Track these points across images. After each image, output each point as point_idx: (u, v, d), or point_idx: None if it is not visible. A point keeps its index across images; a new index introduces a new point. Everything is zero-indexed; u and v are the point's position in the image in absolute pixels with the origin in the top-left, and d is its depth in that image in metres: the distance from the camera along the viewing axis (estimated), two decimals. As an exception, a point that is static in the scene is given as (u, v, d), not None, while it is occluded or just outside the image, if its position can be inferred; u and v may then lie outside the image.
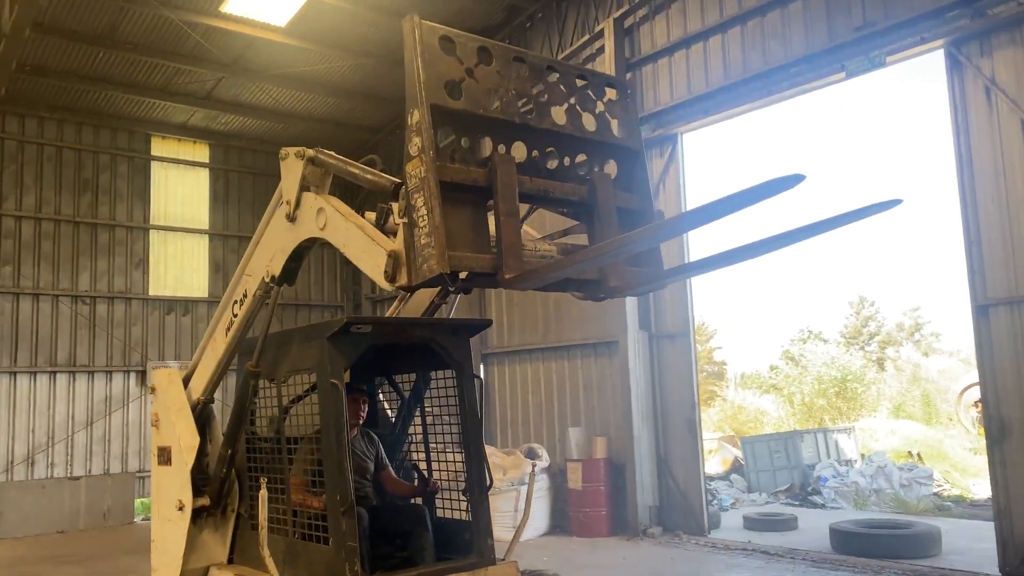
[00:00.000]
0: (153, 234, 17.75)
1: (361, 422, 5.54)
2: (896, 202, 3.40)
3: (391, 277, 3.79)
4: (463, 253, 3.66)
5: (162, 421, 5.79)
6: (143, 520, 16.32)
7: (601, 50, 13.15)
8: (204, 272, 18.37)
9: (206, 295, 18.23)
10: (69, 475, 15.93)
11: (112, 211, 17.21)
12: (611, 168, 4.47)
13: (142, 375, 17.04)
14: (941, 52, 9.44)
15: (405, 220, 3.74)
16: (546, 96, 4.17)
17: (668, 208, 12.49)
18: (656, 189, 12.64)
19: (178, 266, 18.04)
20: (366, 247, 4.05)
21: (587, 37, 13.45)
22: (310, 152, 4.63)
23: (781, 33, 10.95)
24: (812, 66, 10.59)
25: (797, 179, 2.86)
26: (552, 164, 4.25)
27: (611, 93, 4.46)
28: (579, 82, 4.36)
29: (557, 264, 3.85)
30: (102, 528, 15.31)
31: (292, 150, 4.75)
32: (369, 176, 4.25)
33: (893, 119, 56.92)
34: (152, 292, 17.53)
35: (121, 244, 17.22)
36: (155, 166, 17.91)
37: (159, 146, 18.02)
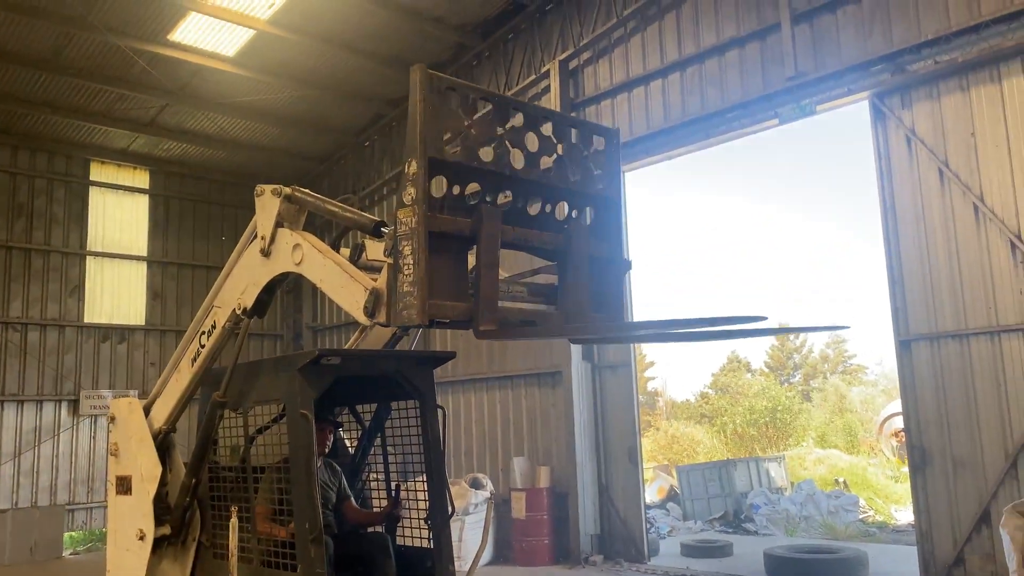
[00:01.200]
0: (90, 260, 17.38)
1: (325, 452, 5.66)
2: (844, 327, 3.86)
3: (371, 313, 3.97)
4: (442, 301, 3.84)
5: (122, 450, 5.79)
6: (72, 555, 15.83)
7: (547, 90, 13.59)
8: (142, 299, 18.04)
9: (143, 323, 17.91)
10: (-6, 508, 15.37)
11: (47, 236, 16.82)
12: (588, 215, 4.64)
13: (75, 404, 16.60)
14: (866, 103, 10.12)
15: (391, 261, 3.91)
16: (537, 146, 4.32)
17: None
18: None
19: (115, 293, 17.68)
20: (344, 283, 4.22)
21: (533, 77, 13.88)
22: (287, 190, 4.77)
23: (719, 80, 11.54)
24: (747, 112, 11.20)
25: (760, 319, 3.26)
26: (535, 211, 4.43)
27: (598, 142, 4.64)
28: (572, 131, 4.54)
29: (527, 330, 4.07)
30: (29, 563, 14.77)
31: (268, 188, 4.88)
32: (348, 214, 4.44)
33: (828, 161, 59.33)
34: (87, 319, 17.13)
35: (56, 270, 16.82)
36: (93, 191, 17.59)
37: (98, 171, 17.71)
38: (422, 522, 5.50)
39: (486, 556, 12.65)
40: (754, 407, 29.57)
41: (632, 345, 12.71)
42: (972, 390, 9.01)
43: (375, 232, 4.16)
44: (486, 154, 4.10)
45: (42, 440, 16.17)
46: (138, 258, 18.07)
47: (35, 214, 16.70)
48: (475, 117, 4.07)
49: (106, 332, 17.36)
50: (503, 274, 4.57)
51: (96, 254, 17.47)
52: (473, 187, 4.12)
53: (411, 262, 3.76)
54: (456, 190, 4.03)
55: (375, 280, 4.02)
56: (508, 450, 13.79)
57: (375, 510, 5.89)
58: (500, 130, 4.16)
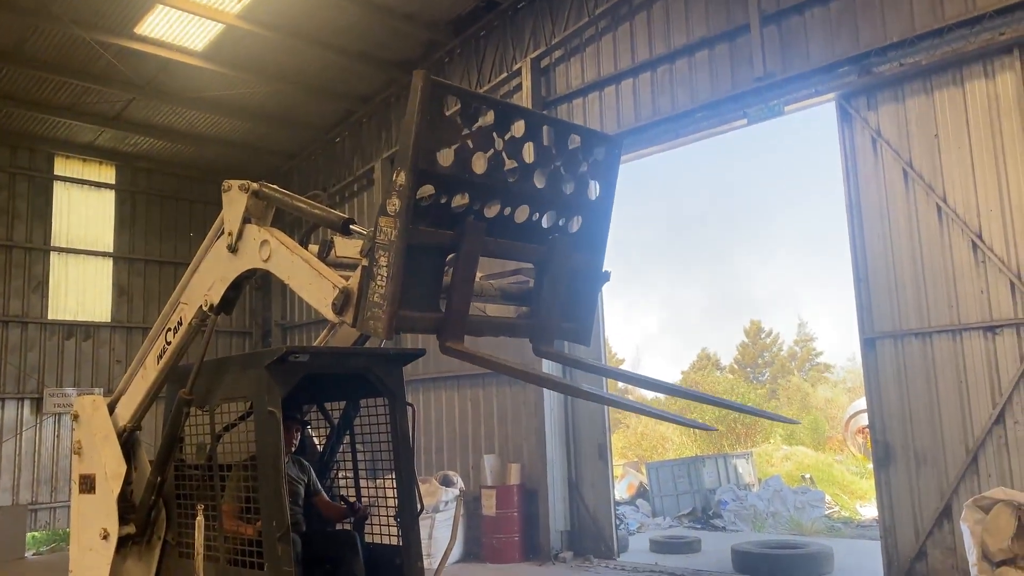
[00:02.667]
0: (54, 256, 17.10)
1: (293, 449, 5.63)
2: (795, 422, 4.01)
3: (339, 310, 3.94)
4: (410, 313, 3.77)
5: (86, 448, 5.72)
6: (34, 555, 15.57)
7: (519, 87, 13.60)
8: (107, 296, 17.79)
9: (109, 320, 17.66)
10: (-46, 508, 15.08)
11: (9, 231, 16.52)
12: (576, 223, 4.47)
13: (38, 402, 16.33)
14: (833, 104, 10.26)
15: (365, 263, 3.86)
16: (533, 157, 4.15)
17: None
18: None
19: (80, 289, 17.41)
20: (312, 280, 4.19)
21: (505, 75, 13.88)
22: (254, 185, 4.72)
23: (688, 80, 11.63)
24: (716, 112, 11.30)
25: (711, 429, 3.74)
26: (521, 219, 4.27)
27: (599, 153, 4.42)
28: (573, 137, 4.32)
29: (490, 362, 3.97)
30: (-10, 564, 14.51)
31: (236, 183, 4.82)
32: (317, 211, 4.40)
33: (797, 160, 60.04)
34: (51, 316, 16.86)
35: (19, 266, 16.53)
36: (58, 186, 17.31)
37: (63, 166, 17.44)
38: (391, 519, 5.50)
39: (456, 553, 12.66)
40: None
41: (603, 343, 12.78)
42: (934, 387, 9.17)
43: (343, 229, 4.13)
44: (480, 166, 3.91)
45: (3, 439, 15.89)
46: (104, 254, 17.82)
47: (-4, 209, 16.41)
48: (475, 128, 3.86)
49: (70, 329, 17.10)
50: (477, 276, 4.55)
51: (60, 250, 17.20)
52: (460, 197, 3.95)
53: (385, 274, 3.69)
54: (443, 199, 3.87)
55: (345, 278, 4.00)
56: (479, 448, 13.79)
57: (344, 506, 5.86)
58: (499, 141, 3.95)
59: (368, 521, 5.74)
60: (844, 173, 10.12)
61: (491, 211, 4.11)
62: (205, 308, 4.99)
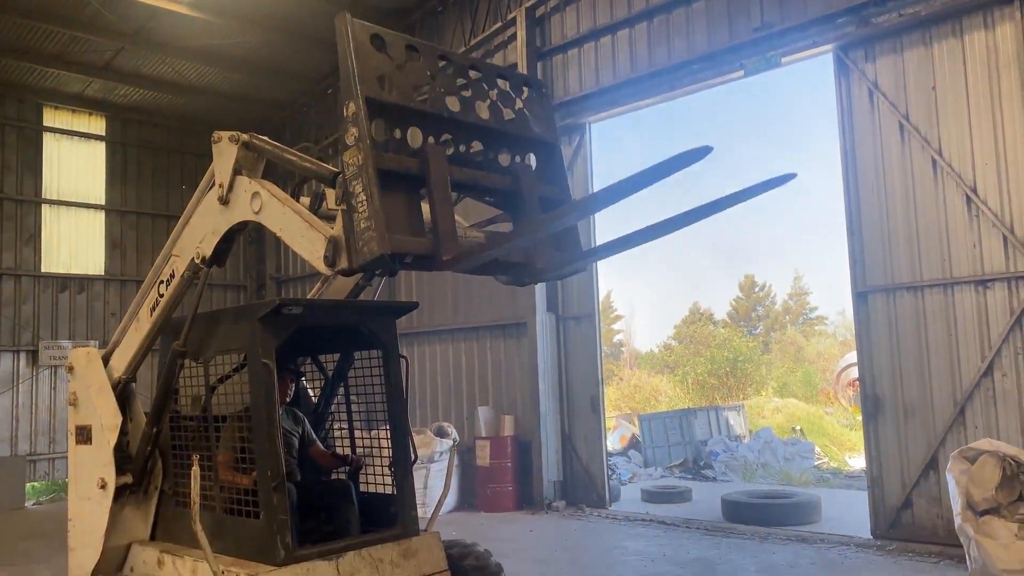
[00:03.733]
0: (45, 208, 17.00)
1: (288, 400, 5.68)
2: (790, 176, 3.84)
3: (331, 262, 3.96)
4: (402, 236, 3.87)
5: (81, 400, 5.76)
6: (34, 505, 15.77)
7: (513, 38, 13.41)
8: (100, 249, 17.73)
9: (103, 272, 17.64)
10: (-47, 459, 15.22)
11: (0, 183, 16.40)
12: (531, 161, 4.76)
13: (33, 355, 16.38)
14: (830, 56, 10.14)
15: (343, 207, 3.91)
16: (470, 92, 4.41)
17: (575, 195, 12.90)
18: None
19: (72, 242, 17.35)
20: (304, 232, 4.19)
21: (499, 24, 13.68)
22: (244, 136, 4.70)
23: (685, 31, 11.48)
24: (713, 63, 11.17)
25: (706, 151, 3.22)
26: (478, 156, 4.51)
27: (527, 90, 4.75)
28: (500, 81, 4.64)
29: (490, 245, 4.11)
30: (-10, 513, 14.70)
31: (225, 134, 4.79)
32: (307, 164, 4.38)
33: (792, 114, 59.44)
34: (44, 269, 16.82)
35: (10, 219, 16.44)
36: (47, 137, 17.13)
37: (52, 117, 17.23)
38: (386, 469, 5.57)
39: (451, 503, 12.86)
40: (715, 357, 30.08)
41: (595, 296, 12.82)
42: (925, 341, 9.24)
43: (334, 183, 4.12)
44: (420, 96, 4.15)
45: (1, 391, 15.96)
46: (96, 207, 17.72)
47: (-15, 161, 16.26)
48: (406, 63, 4.11)
49: (64, 282, 17.07)
50: (461, 221, 4.59)
51: (52, 202, 17.09)
52: (415, 132, 4.16)
53: (363, 199, 3.76)
54: (397, 134, 4.06)
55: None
56: (473, 400, 13.91)
57: (339, 455, 5.92)
58: (432, 76, 4.22)
59: (363, 471, 5.81)
60: (840, 126, 10.06)
61: (446, 145, 4.33)
62: (197, 260, 4.99)
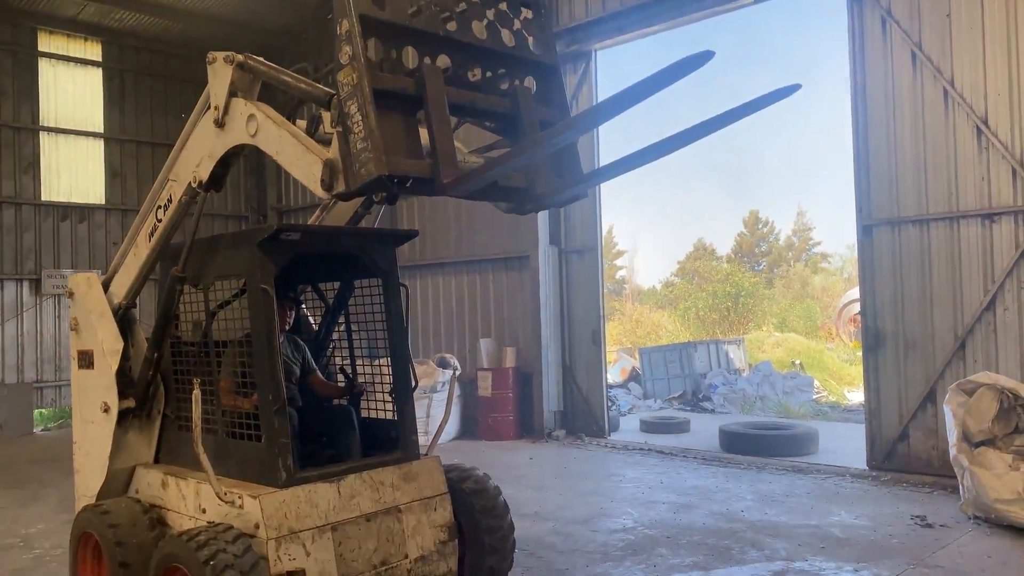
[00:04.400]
0: (44, 136, 16.79)
1: (288, 328, 5.68)
2: (795, 87, 3.74)
3: (328, 186, 3.90)
4: (400, 159, 3.80)
5: (82, 325, 5.78)
6: (43, 431, 16.03)
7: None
8: (100, 178, 17.59)
9: (103, 201, 17.54)
10: (-39, 385, 15.41)
11: (-4, 110, 16.19)
12: (530, 83, 4.64)
13: (36, 283, 16.41)
14: (843, -19, 9.85)
15: (339, 129, 3.84)
16: (466, 10, 4.29)
17: (580, 125, 12.72)
18: (569, 105, 12.80)
19: (72, 171, 17.19)
20: (301, 155, 4.12)
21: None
22: (239, 57, 4.60)
23: (695, -46, 11.12)
24: (724, -11, 10.86)
25: (707, 56, 3.14)
26: (475, 77, 4.40)
27: (526, 12, 4.62)
28: (499, 3, 4.49)
29: (490, 165, 4.01)
30: (0, 439, 14.95)
31: (220, 55, 4.69)
32: (303, 85, 4.29)
33: (803, 44, 58.17)
34: (45, 197, 16.72)
35: (8, 146, 16.25)
36: (43, 63, 16.81)
37: (47, 41, 16.87)
38: (387, 396, 5.61)
39: (454, 431, 13.04)
40: (717, 292, 30.11)
41: (598, 230, 12.75)
42: (928, 275, 9.20)
43: (329, 104, 4.03)
44: (414, 12, 4.05)
45: (5, 319, 16.06)
46: (95, 135, 17.50)
47: (-18, 86, 16.00)
48: None
49: (65, 211, 16.99)
50: (461, 147, 4.51)
51: (50, 130, 16.87)
52: (411, 53, 4.06)
53: (359, 118, 3.68)
54: (393, 54, 3.97)
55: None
56: (475, 332, 13.97)
57: (340, 384, 5.97)
58: None
59: (364, 397, 5.86)
60: (851, 55, 9.83)
61: (441, 64, 4.20)
62: (194, 185, 4.93)
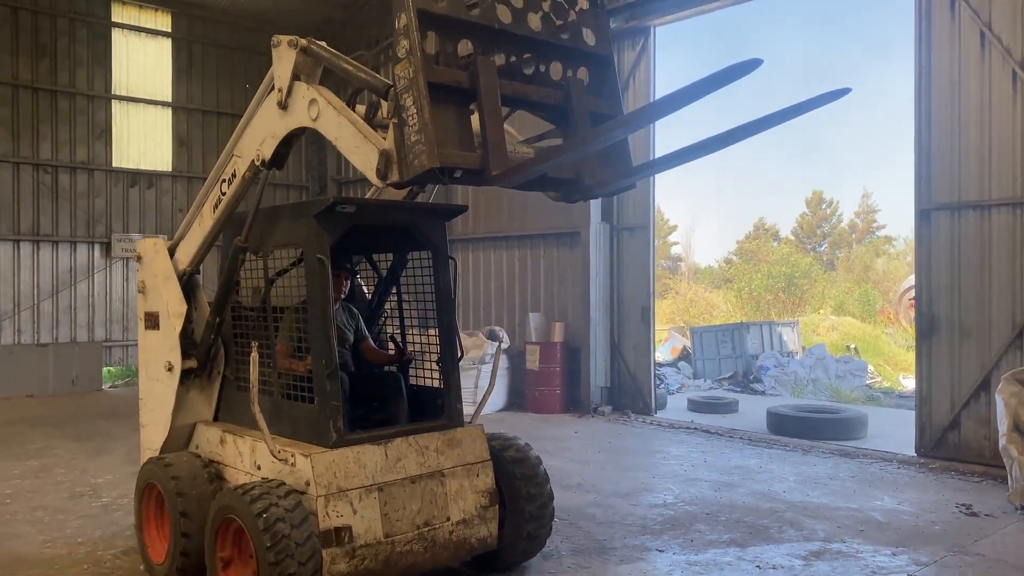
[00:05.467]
0: (115, 104, 17.39)
1: (342, 297, 5.90)
2: (846, 91, 3.77)
3: (383, 175, 4.07)
4: (451, 151, 3.93)
5: (149, 288, 6.09)
6: (111, 388, 16.76)
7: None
8: (168, 146, 18.17)
9: (170, 169, 18.12)
10: (37, 342, 16.18)
11: (72, 78, 16.79)
12: (583, 75, 4.74)
13: (107, 247, 17.10)
14: (911, -41, 9.61)
15: (395, 120, 3.98)
16: (522, 3, 4.38)
17: (637, 101, 12.70)
18: (626, 82, 12.81)
19: (141, 138, 17.79)
20: (358, 143, 4.28)
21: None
22: (303, 41, 4.74)
23: (759, -71, 10.95)
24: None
25: (755, 63, 3.20)
26: (528, 70, 4.51)
27: (583, 2, 4.69)
28: None
29: (539, 159, 4.15)
30: (71, 394, 15.72)
31: (285, 38, 4.84)
32: (362, 75, 4.43)
33: (873, 23, 56.47)
34: (116, 164, 17.35)
35: (82, 113, 16.89)
36: (116, 33, 17.37)
37: (119, 12, 17.42)
38: (434, 365, 5.80)
39: (501, 403, 13.26)
40: (772, 273, 29.69)
41: (651, 207, 12.74)
42: (988, 261, 9.02)
43: (387, 94, 4.18)
44: (474, 13, 4.16)
45: (77, 280, 16.79)
46: (163, 103, 18.05)
47: (59, 55, 16.60)
48: None
49: (134, 177, 17.61)
50: (513, 134, 4.63)
51: (121, 98, 17.46)
52: (466, 45, 4.16)
53: (414, 111, 3.82)
54: (449, 47, 4.08)
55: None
56: (525, 306, 14.13)
57: (390, 352, 6.18)
58: None
59: (412, 366, 6.06)
60: (916, 34, 9.61)
61: (498, 57, 4.31)
62: (257, 163, 5.13)
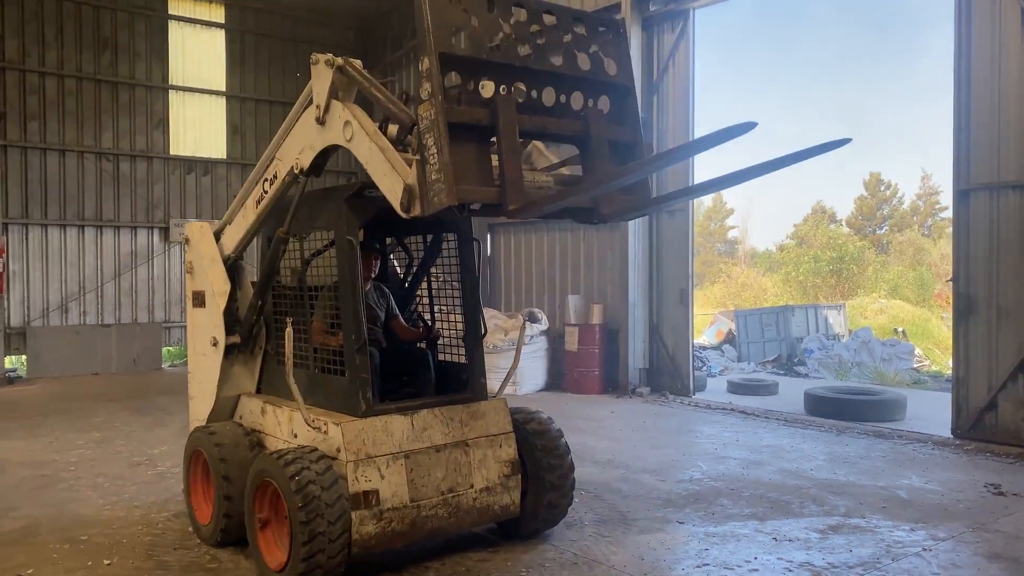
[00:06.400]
0: (172, 94, 18.08)
1: (373, 276, 6.21)
2: (846, 141, 3.96)
3: (406, 208, 4.31)
4: (470, 187, 4.16)
5: (196, 268, 6.49)
6: (170, 367, 17.51)
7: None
8: (222, 134, 18.81)
9: (224, 156, 18.76)
10: (100, 323, 16.99)
11: (131, 70, 17.50)
12: (604, 103, 4.86)
13: (165, 232, 17.82)
14: (952, -65, 9.48)
15: (417, 157, 4.22)
16: (543, 39, 4.53)
17: (676, 86, 12.76)
18: (665, 65, 12.88)
19: (197, 127, 18.47)
20: (386, 171, 4.50)
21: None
22: (339, 61, 4.91)
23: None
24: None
25: (750, 126, 3.45)
26: (549, 102, 4.66)
27: (604, 33, 4.80)
28: (575, 24, 4.72)
29: (556, 196, 4.37)
30: (133, 372, 16.50)
31: (322, 57, 5.01)
32: (391, 106, 4.67)
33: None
34: (173, 152, 18.05)
35: (141, 103, 17.61)
36: (172, 25, 18.03)
37: (175, 5, 18.08)
38: (460, 342, 6.08)
39: (540, 383, 13.53)
40: (819, 257, 29.29)
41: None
42: (1028, 242, 8.94)
43: (411, 131, 4.40)
44: (493, 47, 4.30)
45: (138, 263, 17.55)
46: (217, 93, 18.67)
47: (119, 48, 17.31)
48: (479, 12, 4.26)
49: (190, 164, 18.29)
50: (544, 150, 4.84)
51: (178, 88, 18.13)
52: (487, 82, 4.32)
53: (435, 151, 4.05)
54: (470, 85, 4.26)
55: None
56: (564, 288, 14.35)
57: (419, 330, 6.48)
58: (505, 25, 4.34)
59: (440, 342, 6.35)
60: (956, 12, 9.50)
61: (519, 93, 4.46)
62: (296, 171, 5.36)
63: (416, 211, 4.27)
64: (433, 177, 4.09)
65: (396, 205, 4.37)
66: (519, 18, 4.46)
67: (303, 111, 5.32)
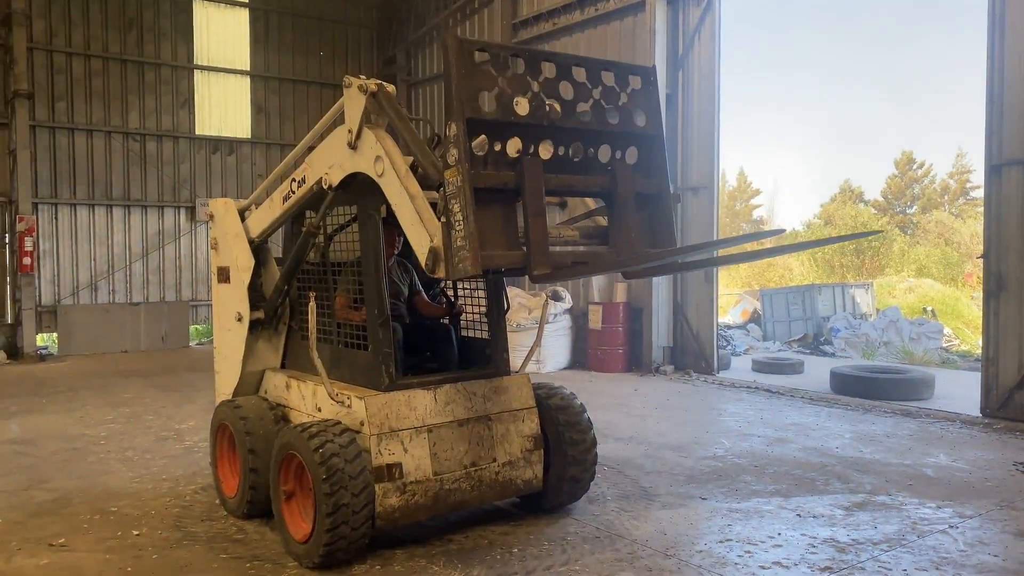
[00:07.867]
0: (197, 74, 18.16)
1: (397, 252, 6.22)
2: (876, 232, 3.99)
3: (431, 269, 4.28)
4: (494, 252, 4.13)
5: (220, 244, 6.54)
6: (197, 345, 17.72)
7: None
8: (247, 113, 18.88)
9: (249, 136, 18.84)
10: (129, 301, 17.22)
11: (157, 50, 17.59)
12: (631, 155, 4.77)
13: (191, 211, 17.97)
14: (986, -96, 9.24)
15: (443, 220, 4.17)
16: (572, 94, 4.45)
17: (702, 62, 12.61)
18: (691, 40, 12.72)
19: (222, 106, 18.55)
20: (414, 222, 4.43)
21: None
22: (372, 86, 4.83)
23: None
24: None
25: (778, 232, 3.49)
26: (577, 157, 4.60)
27: (634, 82, 4.70)
28: (604, 74, 4.62)
29: (579, 268, 4.48)
30: (161, 350, 16.72)
31: (356, 81, 4.92)
32: (419, 155, 4.58)
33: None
34: (199, 131, 18.16)
35: (167, 83, 17.70)
36: (197, 5, 18.08)
37: (199, -15, 18.14)
38: (483, 317, 6.09)
39: (564, 361, 13.54)
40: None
41: (715, 167, 12.70)
42: (1061, 219, 8.77)
43: (437, 189, 4.29)
44: (523, 107, 4.25)
45: (165, 243, 17.73)
46: (242, 72, 18.73)
47: (144, 27, 17.40)
48: (507, 74, 4.22)
49: (216, 144, 18.40)
50: (558, 219, 4.81)
51: (203, 68, 18.21)
52: (515, 142, 4.27)
53: (461, 219, 4.00)
54: (497, 147, 4.21)
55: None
56: (589, 266, 14.26)
57: (442, 305, 6.49)
58: (534, 84, 4.29)
59: (463, 318, 6.36)
60: (990, -16, 9.28)
61: (546, 151, 4.42)
62: (324, 186, 5.28)
63: (440, 274, 4.25)
64: (458, 244, 4.04)
65: (422, 262, 4.34)
66: (548, 74, 4.37)
67: (334, 126, 5.18)
